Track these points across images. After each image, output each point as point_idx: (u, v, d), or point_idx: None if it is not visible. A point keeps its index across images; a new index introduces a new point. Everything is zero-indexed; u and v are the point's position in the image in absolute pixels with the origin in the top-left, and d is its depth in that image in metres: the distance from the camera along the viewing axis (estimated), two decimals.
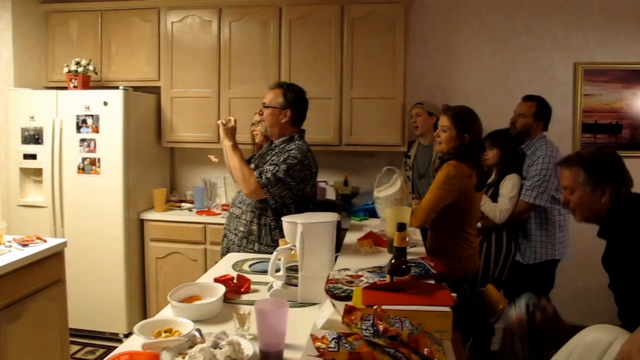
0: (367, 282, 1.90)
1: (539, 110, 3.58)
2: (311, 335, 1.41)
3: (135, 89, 4.20)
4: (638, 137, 4.28)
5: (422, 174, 3.98)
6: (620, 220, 2.02)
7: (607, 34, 4.34)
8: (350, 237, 2.87)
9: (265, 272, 2.28)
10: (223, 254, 2.98)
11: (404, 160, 4.19)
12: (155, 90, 4.42)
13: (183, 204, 4.50)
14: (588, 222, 2.13)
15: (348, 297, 1.75)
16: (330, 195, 4.34)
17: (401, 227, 1.68)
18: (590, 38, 4.36)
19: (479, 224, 3.38)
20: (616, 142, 4.34)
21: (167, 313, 1.91)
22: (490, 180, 3.52)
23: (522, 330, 2.01)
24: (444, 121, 2.86)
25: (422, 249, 2.69)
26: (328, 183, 4.42)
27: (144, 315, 4.19)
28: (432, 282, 1.96)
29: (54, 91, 4.08)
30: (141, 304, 4.25)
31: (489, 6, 4.42)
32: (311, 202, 2.83)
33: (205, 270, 3.01)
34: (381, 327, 1.36)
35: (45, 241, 2.97)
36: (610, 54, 4.35)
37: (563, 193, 2.19)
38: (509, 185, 3.46)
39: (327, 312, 1.61)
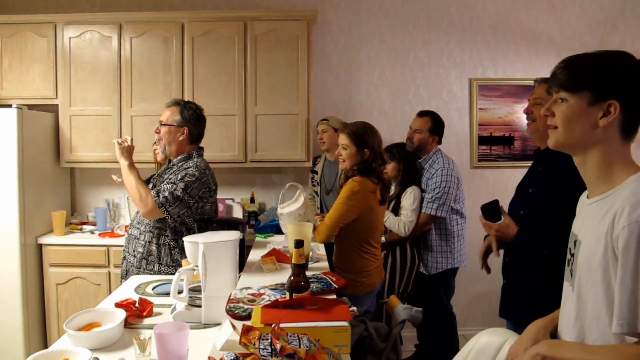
0: (269, 300, 1.90)
1: (433, 125, 3.71)
2: (209, 357, 1.40)
3: (31, 107, 4.01)
4: (528, 149, 4.56)
5: (330, 189, 4.04)
6: None
7: (498, 51, 4.63)
8: (254, 255, 2.87)
9: (169, 294, 2.23)
10: (123, 277, 2.90)
11: (311, 176, 4.25)
12: (53, 109, 4.23)
13: (85, 227, 4.33)
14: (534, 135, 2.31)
15: (249, 317, 1.74)
16: (237, 212, 4.32)
17: (298, 243, 1.70)
18: (483, 55, 4.63)
19: (383, 238, 3.46)
20: (509, 153, 4.60)
21: (64, 343, 1.82)
22: (391, 194, 3.62)
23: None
24: (342, 139, 2.93)
25: (325, 264, 2.72)
26: (235, 200, 4.40)
27: (45, 346, 3.96)
28: (334, 296, 1.99)
29: None
30: (41, 333, 4.02)
31: (388, 24, 4.58)
32: (212, 220, 2.80)
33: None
34: (278, 346, 1.37)
35: None
36: (501, 70, 4.64)
37: (529, 106, 2.29)
38: (410, 198, 3.56)
39: (227, 332, 1.60)
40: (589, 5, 4.65)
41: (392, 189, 3.67)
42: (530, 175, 2.40)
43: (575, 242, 1.50)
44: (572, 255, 1.52)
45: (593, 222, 1.41)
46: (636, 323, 1.24)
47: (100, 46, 4.18)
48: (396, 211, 3.61)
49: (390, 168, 3.64)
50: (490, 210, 2.26)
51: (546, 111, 1.51)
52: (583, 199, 1.56)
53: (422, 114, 3.80)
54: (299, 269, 1.74)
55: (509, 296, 2.38)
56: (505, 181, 4.60)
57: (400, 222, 3.52)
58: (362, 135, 2.90)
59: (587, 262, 1.39)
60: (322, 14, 4.47)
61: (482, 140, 4.64)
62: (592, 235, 1.39)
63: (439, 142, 3.78)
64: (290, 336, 1.45)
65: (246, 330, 1.46)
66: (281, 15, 4.17)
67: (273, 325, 1.46)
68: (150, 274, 2.81)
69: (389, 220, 3.52)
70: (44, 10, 4.47)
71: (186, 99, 3.82)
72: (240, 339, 1.44)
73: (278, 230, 3.59)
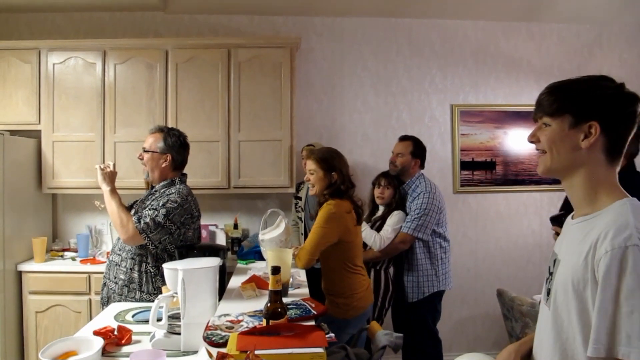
0: (247, 327, 1.89)
1: (415, 148, 3.76)
2: None
3: (14, 132, 3.99)
4: (510, 173, 4.60)
5: (314, 215, 4.02)
6: None
7: (479, 78, 4.70)
8: (235, 281, 2.85)
9: (148, 321, 2.21)
10: (103, 304, 2.87)
11: (295, 202, 4.25)
12: (36, 134, 4.20)
13: (66, 253, 4.27)
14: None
15: (226, 344, 1.73)
16: (221, 238, 4.30)
17: (275, 270, 1.70)
18: (464, 81, 4.71)
19: None
20: (491, 178, 4.64)
21: None
22: (377, 215, 3.65)
23: None
24: (310, 165, 2.98)
25: (306, 290, 2.71)
26: (218, 226, 4.38)
27: None
28: (312, 323, 1.99)
29: None
30: None
31: (371, 50, 4.65)
32: (193, 247, 2.80)
33: None
34: None
35: None
36: (482, 96, 4.71)
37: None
38: (395, 218, 3.59)
39: None
40: (566, 34, 4.76)
41: (380, 210, 3.71)
42: None
43: (554, 261, 1.52)
44: (550, 274, 1.53)
45: (573, 242, 1.42)
46: (614, 348, 1.24)
47: (84, 72, 4.18)
48: (380, 230, 3.62)
49: (387, 194, 3.69)
50: (558, 221, 2.40)
51: (531, 137, 1.54)
52: (569, 219, 1.57)
53: (403, 138, 3.86)
54: (276, 295, 1.73)
55: None
56: (487, 206, 4.64)
57: (377, 236, 3.53)
58: (329, 159, 2.96)
59: (564, 281, 1.40)
60: (305, 42, 4.53)
61: (464, 166, 4.68)
62: (571, 255, 1.40)
63: (422, 167, 3.82)
64: None
65: (221, 358, 1.45)
66: (265, 42, 4.22)
67: (248, 352, 1.45)
68: (132, 301, 2.78)
69: (366, 232, 3.51)
70: (29, 36, 4.48)
71: (170, 125, 3.84)
72: None
73: (261, 257, 3.57)
